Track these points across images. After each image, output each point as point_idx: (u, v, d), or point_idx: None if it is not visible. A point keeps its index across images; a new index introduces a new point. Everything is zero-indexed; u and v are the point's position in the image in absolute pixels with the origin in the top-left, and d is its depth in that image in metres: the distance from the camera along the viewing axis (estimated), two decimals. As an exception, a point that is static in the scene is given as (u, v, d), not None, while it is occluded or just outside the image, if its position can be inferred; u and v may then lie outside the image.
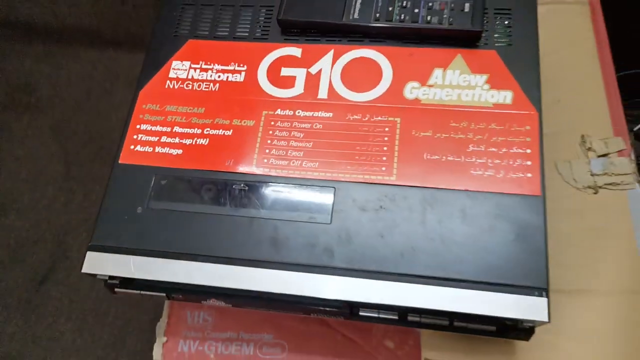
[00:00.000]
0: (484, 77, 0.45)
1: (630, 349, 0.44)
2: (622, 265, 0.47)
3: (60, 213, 0.92)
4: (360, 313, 0.43)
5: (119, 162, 0.46)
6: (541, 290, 0.37)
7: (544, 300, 0.37)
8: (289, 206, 0.42)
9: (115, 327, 0.82)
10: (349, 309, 0.42)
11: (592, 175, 0.50)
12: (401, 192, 0.42)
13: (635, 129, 0.79)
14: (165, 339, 0.50)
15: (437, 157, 0.42)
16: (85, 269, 0.43)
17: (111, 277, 0.43)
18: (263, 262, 0.41)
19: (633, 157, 0.51)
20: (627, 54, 0.67)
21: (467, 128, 0.43)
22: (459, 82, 0.45)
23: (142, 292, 0.46)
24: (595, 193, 0.50)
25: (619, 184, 0.50)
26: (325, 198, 0.42)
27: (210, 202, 0.43)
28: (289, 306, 0.44)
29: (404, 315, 0.42)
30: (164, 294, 0.45)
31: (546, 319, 0.36)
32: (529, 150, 0.41)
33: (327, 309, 0.42)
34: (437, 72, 0.45)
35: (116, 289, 0.46)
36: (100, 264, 0.42)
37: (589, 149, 0.51)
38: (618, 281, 0.46)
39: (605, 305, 0.46)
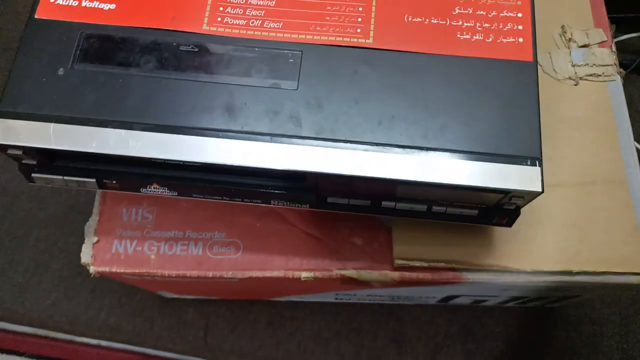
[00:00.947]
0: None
1: (608, 237, 0.42)
2: (601, 155, 0.44)
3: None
4: (328, 200, 0.38)
5: (35, 16, 0.37)
6: (534, 159, 0.33)
7: (536, 169, 0.33)
8: (247, 70, 0.36)
9: (37, 251, 0.73)
10: (315, 195, 0.37)
11: (573, 65, 0.47)
12: (379, 56, 0.36)
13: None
14: (95, 238, 0.42)
15: (419, 19, 0.37)
16: (-10, 138, 0.34)
17: (26, 152, 0.35)
18: (216, 130, 0.34)
19: (614, 48, 0.48)
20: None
21: (459, -10, 0.38)
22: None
23: (66, 177, 0.38)
24: (575, 84, 0.47)
25: (599, 75, 0.47)
26: (290, 61, 0.36)
27: (150, 65, 0.36)
28: (246, 192, 0.38)
29: (377, 202, 0.38)
30: (94, 180, 0.38)
31: (539, 189, 0.32)
32: (520, 14, 0.37)
33: (291, 190, 0.37)
34: None
35: (33, 174, 0.38)
36: (10, 132, 0.34)
37: (570, 39, 0.48)
38: (597, 171, 0.44)
39: (583, 196, 0.43)
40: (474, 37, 0.36)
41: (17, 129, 0.34)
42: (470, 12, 0.37)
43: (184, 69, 0.36)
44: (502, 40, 0.36)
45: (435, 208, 0.37)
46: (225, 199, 0.39)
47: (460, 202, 0.36)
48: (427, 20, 0.37)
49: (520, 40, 0.36)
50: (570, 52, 0.48)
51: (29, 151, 0.35)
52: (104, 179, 0.38)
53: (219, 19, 0.37)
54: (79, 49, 0.36)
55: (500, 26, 0.37)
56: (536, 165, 0.33)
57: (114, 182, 0.38)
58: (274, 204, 0.39)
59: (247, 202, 0.39)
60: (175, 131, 0.34)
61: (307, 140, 0.34)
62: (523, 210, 0.37)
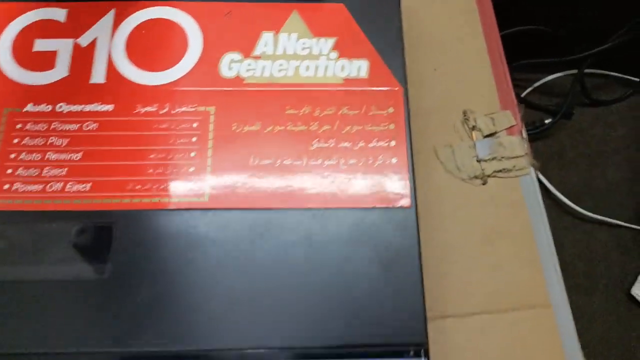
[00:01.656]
0: (330, 41, 0.32)
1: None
2: (520, 276, 0.37)
3: None
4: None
5: None
6: (419, 347, 0.26)
7: (422, 362, 0.25)
8: (38, 258, 0.27)
9: None
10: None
11: (479, 161, 0.40)
12: (217, 220, 0.28)
13: (523, 94, 0.72)
14: None
15: (268, 161, 0.29)
16: None
17: None
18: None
19: (524, 134, 0.42)
20: (510, 9, 0.58)
21: (309, 115, 0.30)
22: (296, 51, 0.31)
23: None
24: (483, 184, 0.40)
25: (510, 170, 0.40)
26: (98, 239, 0.28)
27: None
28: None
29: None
30: None
31: (426, 393, 0.25)
32: (393, 143, 0.30)
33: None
34: (266, 38, 0.32)
35: None
36: None
37: (474, 127, 0.41)
38: (518, 296, 0.37)
39: (502, 326, 0.36)
40: (336, 180, 0.29)
41: None
42: (332, 145, 0.29)
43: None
44: (372, 180, 0.29)
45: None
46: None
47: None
48: (279, 161, 0.29)
49: (396, 178, 0.29)
50: (474, 144, 0.41)
51: None
52: None
53: (6, 186, 0.28)
54: None
55: (370, 161, 0.29)
56: (421, 357, 0.25)
57: None
58: None
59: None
60: None
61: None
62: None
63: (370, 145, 0.29)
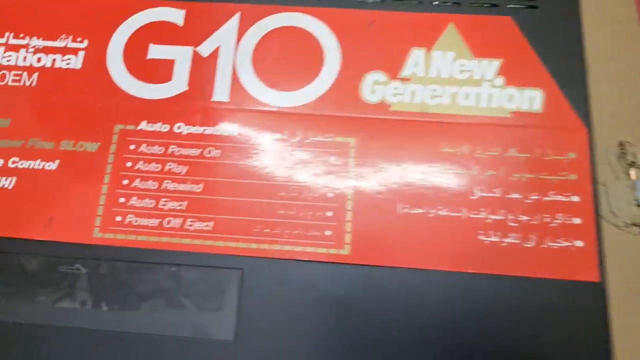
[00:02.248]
0: (495, 64, 0.26)
1: None
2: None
3: None
4: None
5: None
6: None
7: None
8: (159, 308, 0.24)
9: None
10: None
11: (639, 205, 0.34)
12: (360, 278, 0.23)
13: None
14: None
15: (420, 210, 0.24)
16: None
17: None
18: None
19: (692, 175, 0.35)
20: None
21: (469, 156, 0.25)
22: (452, 74, 0.26)
23: None
24: (642, 233, 0.34)
25: None
26: (224, 290, 0.24)
27: (11, 300, 0.24)
28: None
29: None
30: None
31: None
32: (575, 198, 0.24)
33: None
34: (417, 56, 0.26)
35: None
36: None
37: (632, 163, 0.35)
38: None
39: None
40: (505, 240, 0.24)
41: None
42: (498, 195, 0.24)
43: (62, 308, 0.24)
44: (550, 244, 0.23)
45: None
46: None
47: None
48: (432, 211, 0.24)
49: (579, 244, 0.23)
50: (634, 183, 0.35)
51: None
52: None
53: (118, 218, 0.25)
54: None
55: (546, 219, 0.24)
56: None
57: None
58: None
59: None
60: None
61: None
62: None
63: (546, 198, 0.24)
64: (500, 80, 0.26)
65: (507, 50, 0.26)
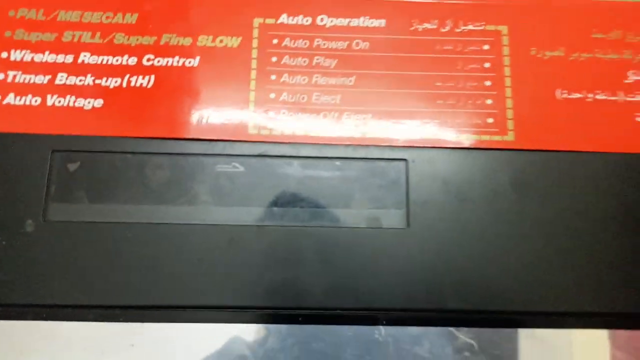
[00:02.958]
0: (637, -50, 0.26)
1: None
2: None
3: None
4: None
5: (-27, 128, 0.23)
6: None
7: None
8: (324, 199, 0.23)
9: None
10: None
11: None
12: (529, 164, 0.23)
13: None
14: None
15: (578, 95, 0.24)
16: None
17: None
18: (297, 313, 0.22)
19: None
20: None
21: (620, 42, 0.25)
22: (596, -40, 0.26)
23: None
24: None
25: None
26: (390, 181, 0.23)
27: (169, 200, 0.23)
28: None
29: None
30: None
31: None
32: None
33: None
34: (558, -58, 0.26)
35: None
36: None
37: None
38: None
39: None
40: (665, 120, 0.24)
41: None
42: (653, 78, 0.24)
43: (224, 204, 0.23)
44: None
45: None
46: None
47: None
48: (591, 95, 0.24)
49: None
50: None
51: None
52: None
53: (271, 113, 0.24)
54: (53, 183, 0.23)
55: (700, 99, 0.24)
56: None
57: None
58: None
59: None
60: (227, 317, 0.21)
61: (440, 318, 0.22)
62: None
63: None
64: (643, -34, 0.26)
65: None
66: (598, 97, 0.24)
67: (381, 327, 0.22)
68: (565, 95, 0.24)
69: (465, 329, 0.23)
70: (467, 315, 0.22)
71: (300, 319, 0.22)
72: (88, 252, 0.21)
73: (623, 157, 0.23)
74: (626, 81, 0.24)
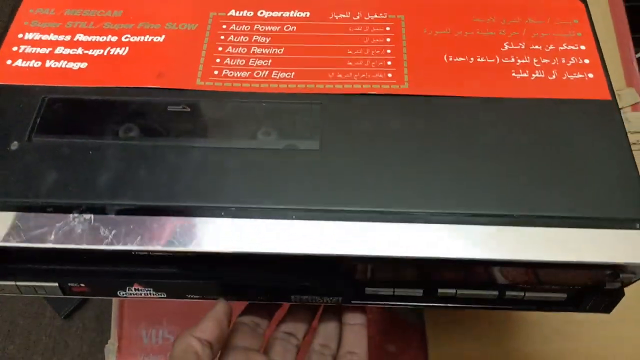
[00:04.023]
0: (507, -33, 0.34)
1: None
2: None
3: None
4: (367, 291, 0.29)
5: (-11, 77, 0.30)
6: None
7: (649, 233, 0.24)
8: (254, 130, 0.28)
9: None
10: (350, 286, 0.28)
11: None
12: (418, 105, 0.29)
13: None
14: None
15: (462, 58, 0.30)
16: None
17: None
18: (218, 208, 0.26)
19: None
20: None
21: (496, 24, 0.31)
22: (475, -27, 0.34)
23: (19, 282, 0.29)
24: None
25: (635, 144, 0.40)
26: (308, 116, 0.29)
27: (130, 132, 0.28)
28: (258, 289, 0.29)
29: (432, 291, 0.28)
30: (56, 285, 0.29)
31: (659, 260, 0.24)
32: (583, 47, 0.30)
33: (318, 282, 0.28)
34: (446, -36, 0.34)
35: (-22, 281, 0.29)
36: None
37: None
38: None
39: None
40: (533, 75, 0.29)
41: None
42: (523, 47, 0.30)
43: (173, 134, 0.28)
44: (568, 77, 0.29)
45: (509, 293, 0.28)
46: (231, 298, 0.29)
47: (545, 283, 0.27)
48: (472, 58, 0.30)
49: (590, 75, 0.29)
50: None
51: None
52: (69, 281, 0.29)
53: (216, 72, 0.30)
54: (39, 117, 0.29)
55: (562, 61, 0.30)
56: (647, 229, 0.25)
57: (82, 284, 0.29)
58: (295, 301, 0.29)
59: (261, 300, 0.30)
60: (162, 212, 0.26)
61: (340, 214, 0.25)
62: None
63: (561, 48, 0.30)
64: (512, -23, 0.33)
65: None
66: (479, 60, 0.30)
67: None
68: (451, 59, 0.30)
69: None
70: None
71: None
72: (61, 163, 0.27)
73: (502, 100, 0.28)
74: (502, 49, 0.30)
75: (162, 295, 0.29)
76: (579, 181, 0.26)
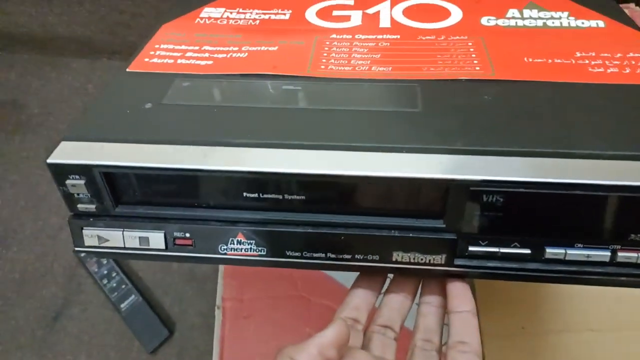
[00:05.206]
0: (566, 12, 0.40)
1: None
2: None
3: (67, 243, 0.83)
4: (470, 249, 0.28)
5: (127, 70, 0.35)
6: None
7: None
8: (362, 100, 0.31)
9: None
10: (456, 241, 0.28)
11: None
12: (506, 88, 0.32)
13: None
14: None
15: (541, 60, 0.34)
16: (51, 157, 0.27)
17: (90, 189, 0.28)
18: (336, 146, 0.27)
19: None
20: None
21: (566, 44, 0.36)
22: (539, 16, 0.40)
23: (127, 230, 0.29)
24: None
25: None
26: (407, 92, 0.32)
27: (248, 100, 0.32)
28: (361, 240, 0.29)
29: (540, 250, 0.28)
30: (162, 235, 0.29)
31: None
32: (646, 55, 0.34)
33: (424, 233, 0.28)
34: (513, 11, 0.40)
35: (85, 229, 0.30)
36: (98, 152, 0.27)
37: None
38: None
39: None
40: (608, 70, 0.33)
41: (80, 149, 0.28)
42: (594, 54, 0.34)
43: (286, 102, 0.31)
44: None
45: (622, 255, 0.27)
46: (329, 259, 0.29)
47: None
48: (550, 60, 0.34)
49: (662, 68, 0.33)
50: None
51: (96, 188, 0.28)
52: (176, 230, 0.29)
53: (323, 66, 0.35)
54: (170, 90, 0.33)
55: (633, 63, 0.33)
56: None
57: (187, 235, 0.29)
58: (396, 261, 0.29)
59: (359, 261, 0.29)
60: (288, 147, 0.27)
61: (453, 151, 0.27)
62: None
63: (629, 55, 0.34)
64: (572, 18, 0.39)
65: (571, 7, 0.40)
66: (556, 61, 0.34)
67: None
68: (530, 60, 0.34)
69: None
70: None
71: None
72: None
73: (579, 85, 0.31)
74: (575, 55, 0.34)
75: (262, 252, 0.29)
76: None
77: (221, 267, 0.55)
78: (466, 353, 0.28)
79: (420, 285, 0.33)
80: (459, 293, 0.30)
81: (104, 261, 0.79)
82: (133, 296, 0.76)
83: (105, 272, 0.78)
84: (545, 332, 0.47)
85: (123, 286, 0.77)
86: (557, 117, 0.29)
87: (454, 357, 0.28)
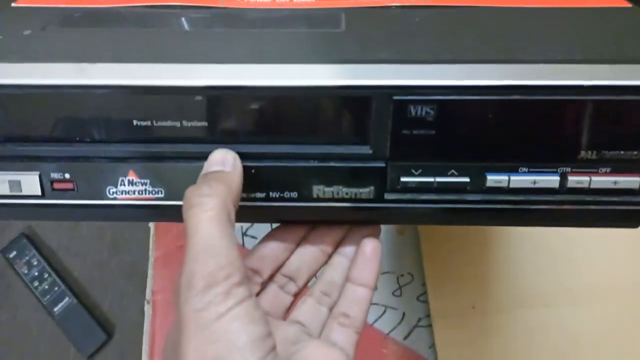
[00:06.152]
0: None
1: None
2: None
3: None
4: (402, 180, 0.24)
5: (13, 5, 0.31)
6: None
7: None
8: (280, 23, 0.28)
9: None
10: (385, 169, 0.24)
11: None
12: (442, 11, 0.29)
13: None
14: None
15: None
16: None
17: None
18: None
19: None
20: None
21: None
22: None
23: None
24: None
25: None
26: (330, 16, 0.28)
27: (147, 24, 0.28)
28: (273, 172, 0.24)
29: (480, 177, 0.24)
30: (37, 175, 0.24)
31: None
32: None
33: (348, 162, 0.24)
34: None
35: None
36: None
37: None
38: None
39: None
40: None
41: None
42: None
43: (191, 26, 0.27)
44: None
45: (572, 179, 0.24)
46: (241, 199, 0.25)
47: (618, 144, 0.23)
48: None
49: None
50: None
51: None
52: (53, 171, 0.24)
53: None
54: (57, 19, 0.28)
55: None
56: None
57: (67, 176, 0.24)
58: (317, 197, 0.24)
59: (274, 200, 0.25)
60: (185, 62, 0.23)
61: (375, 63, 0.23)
62: None
63: None
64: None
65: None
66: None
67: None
68: None
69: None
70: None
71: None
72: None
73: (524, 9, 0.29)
74: None
75: (159, 195, 0.25)
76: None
77: (151, 257, 0.50)
78: (346, 327, 0.25)
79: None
80: (367, 264, 0.26)
81: (34, 262, 0.72)
82: (67, 298, 0.69)
83: (36, 273, 0.71)
84: (497, 310, 0.44)
85: (56, 288, 0.70)
86: (497, 33, 0.26)
87: (332, 328, 0.25)
